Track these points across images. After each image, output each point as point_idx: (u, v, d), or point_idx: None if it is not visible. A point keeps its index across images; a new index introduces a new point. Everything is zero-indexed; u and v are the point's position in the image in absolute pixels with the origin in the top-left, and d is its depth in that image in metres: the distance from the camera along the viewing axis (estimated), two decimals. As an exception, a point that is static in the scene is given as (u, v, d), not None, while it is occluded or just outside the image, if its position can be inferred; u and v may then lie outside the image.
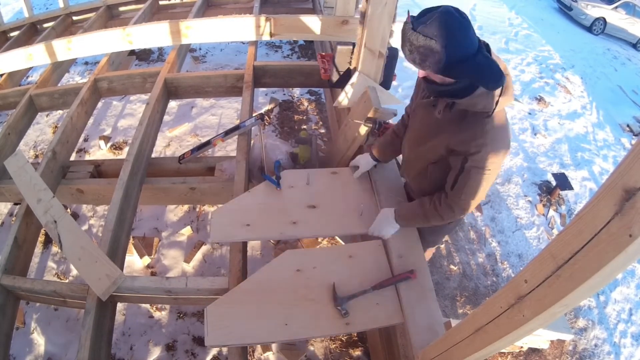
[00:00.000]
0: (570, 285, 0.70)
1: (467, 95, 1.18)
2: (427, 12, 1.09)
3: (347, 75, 2.35)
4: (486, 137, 1.21)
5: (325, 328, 1.42)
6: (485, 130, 1.21)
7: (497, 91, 1.16)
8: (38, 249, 2.56)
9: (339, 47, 2.38)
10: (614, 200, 0.61)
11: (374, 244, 1.64)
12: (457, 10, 1.09)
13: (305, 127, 3.61)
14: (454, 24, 1.06)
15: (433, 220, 1.45)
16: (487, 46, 1.16)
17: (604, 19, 8.84)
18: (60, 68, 3.39)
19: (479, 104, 1.19)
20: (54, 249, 2.62)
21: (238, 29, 2.87)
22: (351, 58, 2.34)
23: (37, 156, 3.34)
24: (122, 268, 1.85)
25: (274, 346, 2.14)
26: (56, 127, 3.58)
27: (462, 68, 1.10)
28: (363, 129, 1.87)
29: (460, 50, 1.08)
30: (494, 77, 1.11)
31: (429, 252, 2.35)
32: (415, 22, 1.09)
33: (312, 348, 2.13)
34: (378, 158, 1.79)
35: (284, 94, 4.05)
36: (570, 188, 3.39)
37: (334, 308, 1.42)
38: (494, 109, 1.18)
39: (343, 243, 2.60)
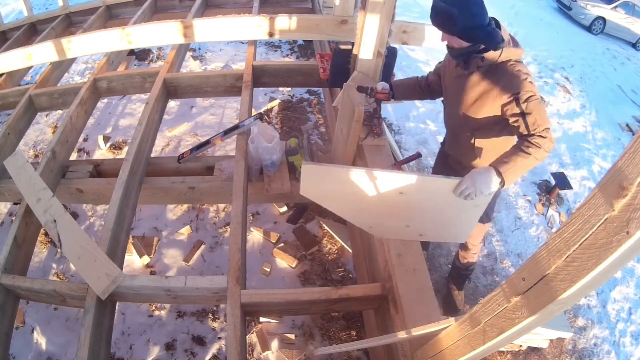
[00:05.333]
0: (568, 283, 0.70)
1: (484, 52, 1.50)
2: None
3: (346, 75, 2.35)
4: (520, 75, 1.48)
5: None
6: (515, 71, 1.49)
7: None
8: (37, 248, 2.56)
9: (338, 46, 2.39)
10: (611, 197, 0.61)
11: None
12: None
13: (294, 133, 3.59)
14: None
15: (537, 155, 1.44)
16: (496, 21, 1.53)
17: (604, 19, 8.86)
18: (59, 68, 3.40)
19: (501, 54, 1.50)
20: (54, 248, 2.62)
21: (237, 29, 2.87)
22: (350, 57, 2.35)
23: (36, 156, 3.34)
24: (121, 267, 1.85)
25: (273, 345, 2.14)
26: (56, 127, 3.59)
27: (474, 34, 1.46)
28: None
29: (473, 19, 1.44)
30: (496, 41, 1.47)
31: (484, 229, 2.15)
32: None
33: (311, 347, 2.14)
34: (393, 89, 1.97)
35: (283, 94, 4.06)
36: (570, 187, 3.38)
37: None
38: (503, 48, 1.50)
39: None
